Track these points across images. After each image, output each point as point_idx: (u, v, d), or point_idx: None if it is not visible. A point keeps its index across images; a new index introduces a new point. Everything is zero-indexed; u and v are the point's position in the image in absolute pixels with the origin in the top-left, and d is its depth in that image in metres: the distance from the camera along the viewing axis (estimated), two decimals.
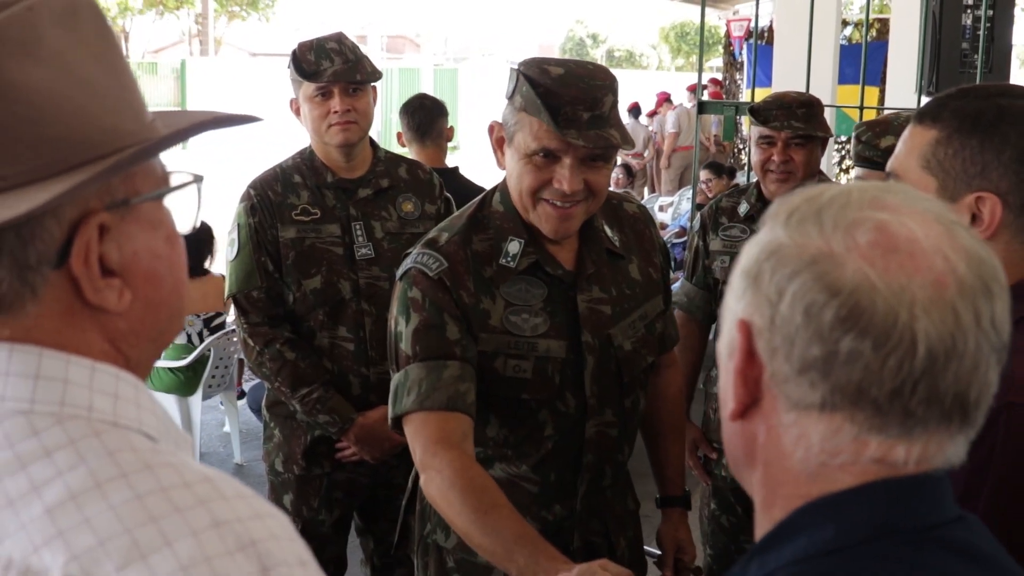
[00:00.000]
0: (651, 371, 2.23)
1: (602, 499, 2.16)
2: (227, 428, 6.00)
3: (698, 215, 3.40)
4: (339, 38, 2.93)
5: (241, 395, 6.07)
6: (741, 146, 14.36)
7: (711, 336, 3.42)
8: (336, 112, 2.85)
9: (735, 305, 0.90)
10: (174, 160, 0.99)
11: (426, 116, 4.32)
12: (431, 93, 4.99)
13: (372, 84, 2.94)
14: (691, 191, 10.67)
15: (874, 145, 2.29)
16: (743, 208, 3.24)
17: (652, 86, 18.88)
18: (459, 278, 1.97)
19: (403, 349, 1.97)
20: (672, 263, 4.47)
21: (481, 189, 2.76)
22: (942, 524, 0.87)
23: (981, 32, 5.30)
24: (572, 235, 2.03)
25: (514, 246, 2.00)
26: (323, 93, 2.86)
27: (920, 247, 0.84)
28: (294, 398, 2.85)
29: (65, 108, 0.86)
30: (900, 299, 0.82)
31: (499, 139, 1.99)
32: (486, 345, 1.98)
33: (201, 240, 5.23)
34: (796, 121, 3.05)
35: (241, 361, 5.88)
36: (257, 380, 6.03)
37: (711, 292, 3.32)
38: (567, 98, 1.84)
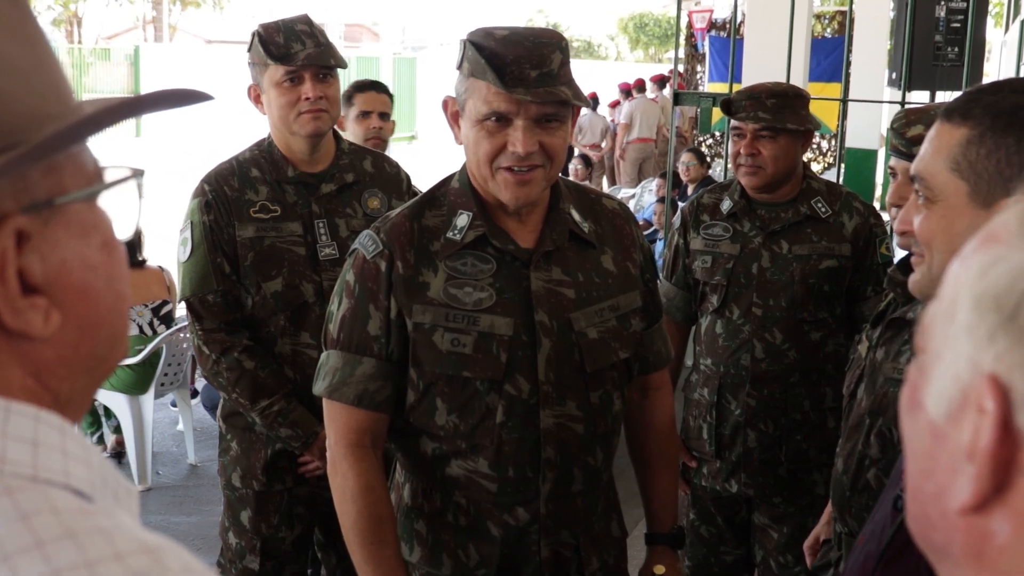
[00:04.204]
0: (627, 371, 2.13)
1: (571, 506, 2.05)
2: (181, 427, 5.83)
3: (679, 211, 3.28)
4: (307, 20, 2.75)
5: (195, 393, 5.89)
6: (700, 139, 14.33)
7: (691, 337, 3.30)
8: (307, 99, 2.67)
9: (968, 348, 0.63)
10: (125, 150, 0.82)
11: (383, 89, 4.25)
12: (390, 83, 4.88)
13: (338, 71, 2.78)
14: (653, 183, 10.67)
15: (901, 134, 2.18)
16: (726, 205, 3.13)
17: (611, 77, 18.83)
18: (398, 251, 1.97)
19: (331, 330, 2.03)
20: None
21: None
22: None
23: (957, 24, 5.23)
24: (533, 204, 1.99)
25: (462, 219, 1.99)
26: (293, 78, 2.68)
27: None
28: (253, 410, 2.68)
29: None
30: None
31: (454, 113, 1.98)
32: (423, 317, 1.95)
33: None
34: (763, 112, 2.96)
35: (194, 358, 5.71)
36: None
37: (691, 292, 3.21)
38: (512, 57, 1.83)
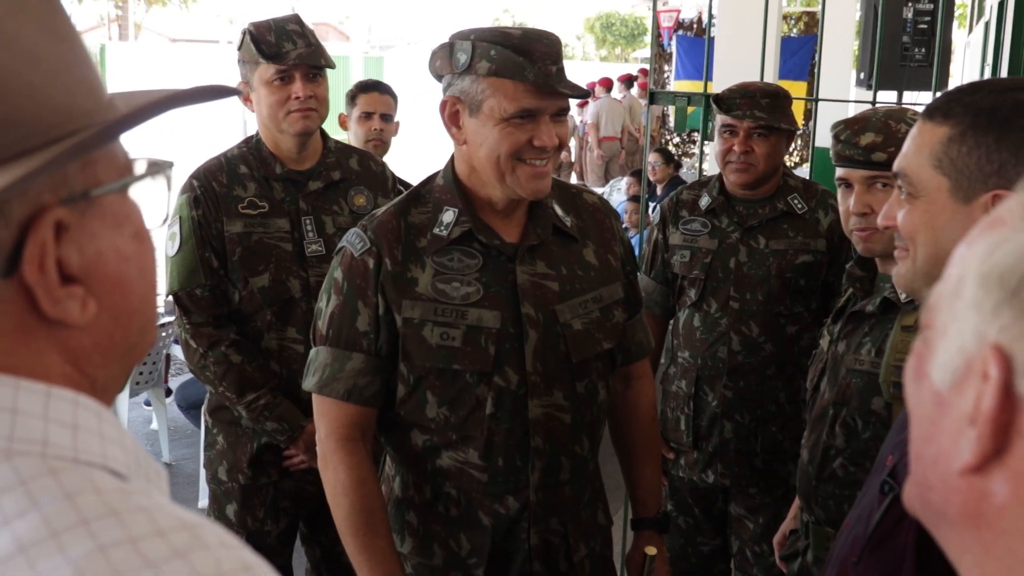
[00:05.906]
0: (611, 361, 2.18)
1: (559, 495, 2.09)
2: (154, 426, 5.82)
3: (658, 207, 3.32)
4: (298, 20, 2.78)
5: (169, 392, 5.88)
6: (668, 137, 14.43)
7: (668, 330, 3.35)
8: (298, 98, 2.70)
9: (974, 321, 0.68)
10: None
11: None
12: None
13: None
14: (622, 182, 10.72)
15: (854, 143, 2.19)
16: (704, 201, 3.18)
17: (577, 77, 18.85)
18: (386, 247, 2.00)
19: (320, 327, 2.06)
20: None
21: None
22: None
23: (924, 26, 5.30)
24: (543, 194, 2.02)
25: (448, 215, 2.02)
26: (283, 77, 2.71)
27: None
28: (240, 404, 2.70)
29: (9, 85, 0.71)
30: None
31: (452, 114, 1.98)
32: (411, 312, 1.98)
33: None
34: (759, 111, 3.00)
35: (168, 357, 5.70)
36: (186, 377, 5.86)
37: (669, 286, 3.25)
38: (538, 54, 1.88)
